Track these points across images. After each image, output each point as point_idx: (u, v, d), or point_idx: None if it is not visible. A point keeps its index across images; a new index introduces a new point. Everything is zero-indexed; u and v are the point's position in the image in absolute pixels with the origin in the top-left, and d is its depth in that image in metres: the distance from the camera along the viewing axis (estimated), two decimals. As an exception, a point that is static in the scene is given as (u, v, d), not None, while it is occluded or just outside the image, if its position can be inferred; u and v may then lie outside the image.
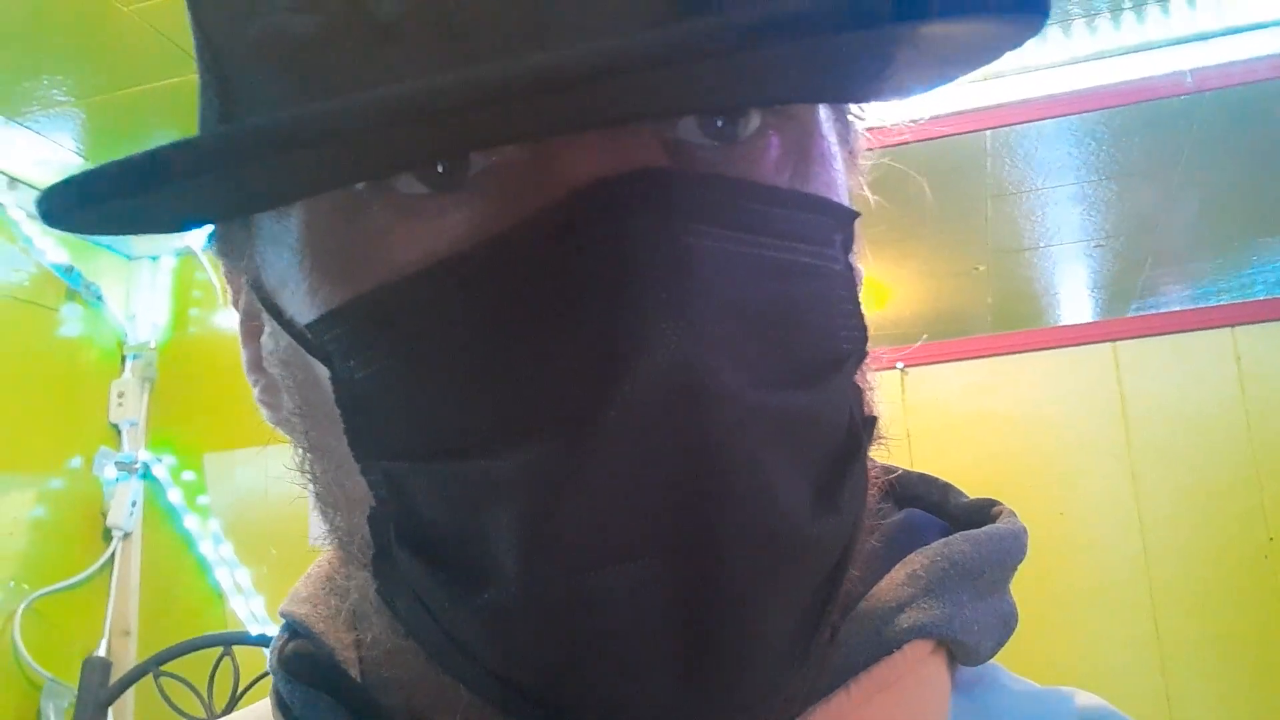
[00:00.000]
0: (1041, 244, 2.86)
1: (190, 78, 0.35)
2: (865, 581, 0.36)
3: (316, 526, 0.37)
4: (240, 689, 1.78)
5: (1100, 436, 1.88)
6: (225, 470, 2.25)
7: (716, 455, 0.27)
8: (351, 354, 0.31)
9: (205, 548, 2.21)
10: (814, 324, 0.31)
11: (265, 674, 0.39)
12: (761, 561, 0.28)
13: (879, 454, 0.37)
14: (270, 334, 0.36)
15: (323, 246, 0.32)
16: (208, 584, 2.19)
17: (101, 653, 2.11)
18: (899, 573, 0.36)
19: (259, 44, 0.30)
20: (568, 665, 0.29)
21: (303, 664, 0.38)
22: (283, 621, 0.40)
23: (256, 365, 0.38)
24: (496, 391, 0.28)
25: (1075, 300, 3.42)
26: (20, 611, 1.99)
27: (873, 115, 0.39)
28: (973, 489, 0.43)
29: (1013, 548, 0.38)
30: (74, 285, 2.22)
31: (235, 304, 0.39)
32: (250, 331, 0.38)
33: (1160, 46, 1.86)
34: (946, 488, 0.42)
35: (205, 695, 1.78)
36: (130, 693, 1.98)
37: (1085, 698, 0.41)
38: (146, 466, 2.27)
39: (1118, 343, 1.91)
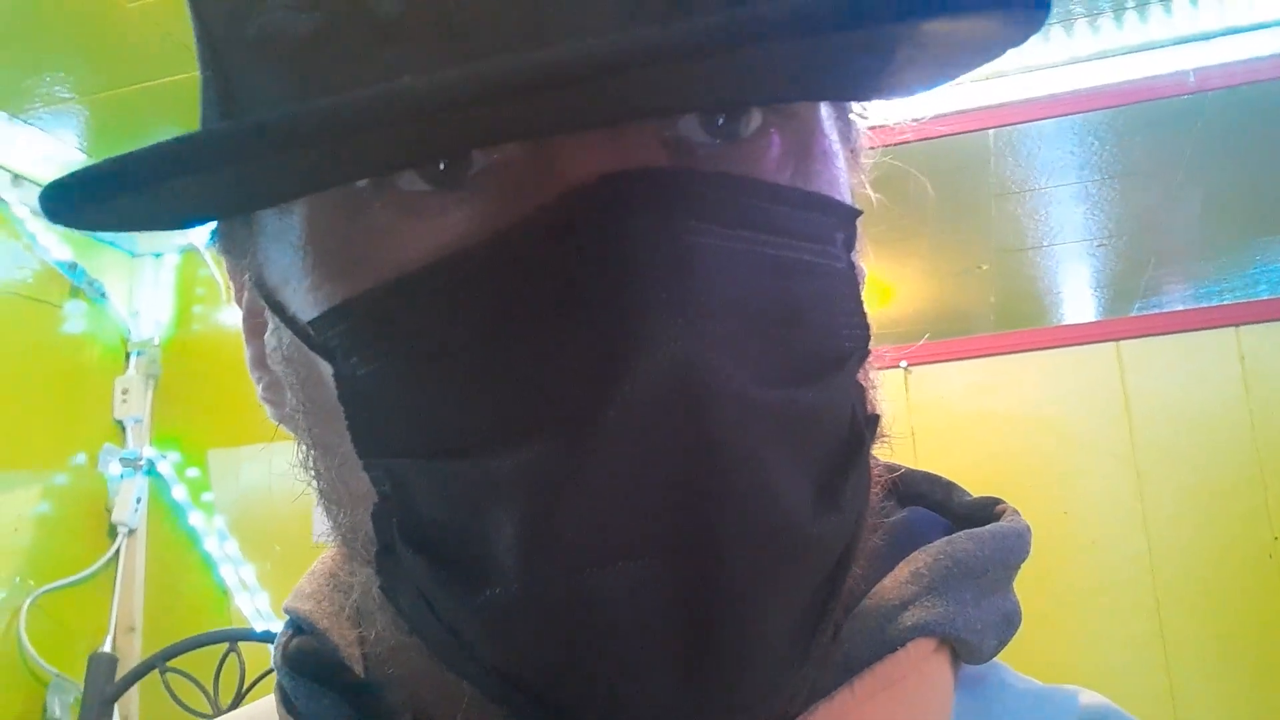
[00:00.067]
0: (1045, 243, 2.86)
1: (193, 75, 0.35)
2: (868, 580, 0.36)
3: (320, 523, 0.37)
4: (246, 685, 1.78)
5: (1104, 436, 1.87)
6: (229, 467, 2.26)
7: (717, 454, 0.27)
8: (354, 351, 0.31)
9: (210, 544, 2.22)
10: (816, 322, 0.31)
11: (270, 670, 0.39)
12: (762, 561, 0.28)
13: (882, 452, 0.37)
14: (273, 331, 0.36)
15: (325, 243, 0.32)
16: (213, 580, 2.20)
17: (107, 649, 2.12)
18: (902, 571, 0.36)
19: (259, 42, 0.30)
20: (568, 664, 0.29)
21: (306, 660, 0.38)
22: (287, 618, 0.40)
23: (260, 362, 0.38)
24: (497, 390, 0.28)
25: (1078, 299, 3.41)
26: (26, 608, 1.99)
27: (875, 114, 0.39)
28: (976, 488, 0.42)
29: (1016, 546, 0.38)
30: (78, 282, 2.22)
31: (238, 301, 0.39)
32: (253, 328, 0.38)
33: (1163, 46, 1.86)
34: (950, 486, 0.42)
35: (211, 691, 1.78)
36: (136, 689, 1.99)
37: (1089, 696, 0.41)
38: (151, 463, 2.27)
39: (1121, 342, 1.91)
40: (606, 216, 0.28)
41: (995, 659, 0.38)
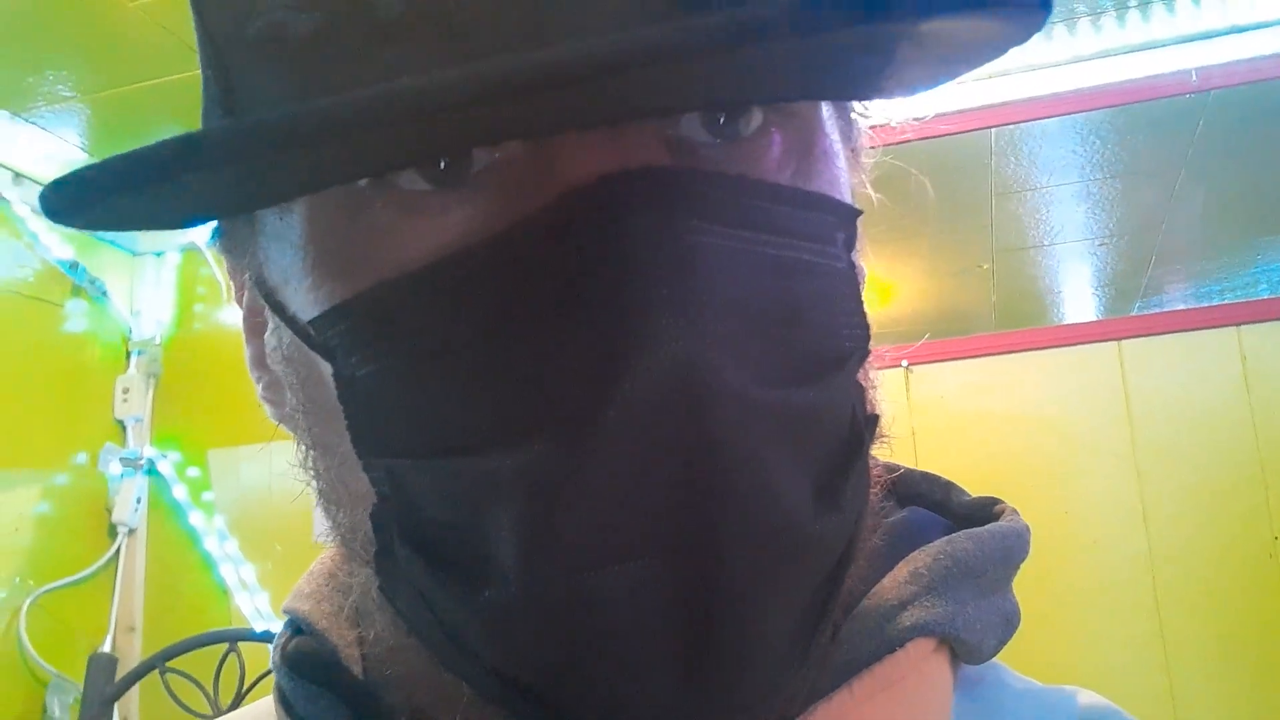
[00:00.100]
0: (1046, 242, 2.86)
1: (195, 74, 0.35)
2: (868, 580, 0.36)
3: (320, 523, 0.37)
4: (246, 685, 1.79)
5: (1104, 435, 1.87)
6: (230, 467, 2.26)
7: (718, 453, 0.27)
8: (353, 350, 0.31)
9: (210, 544, 2.22)
10: (816, 322, 0.31)
11: (270, 670, 0.39)
12: (762, 561, 0.28)
13: (882, 452, 0.37)
14: (273, 330, 0.36)
15: (325, 243, 0.32)
16: (213, 580, 2.20)
17: (107, 649, 2.12)
18: (901, 570, 0.36)
19: (260, 41, 0.30)
20: (568, 664, 0.29)
21: (305, 661, 0.38)
22: (286, 618, 0.40)
23: (260, 362, 0.38)
24: (497, 390, 0.28)
25: (1079, 299, 3.41)
26: (26, 608, 1.99)
27: (876, 113, 0.39)
28: (976, 487, 0.42)
29: (1015, 546, 0.38)
30: (79, 281, 2.22)
31: (239, 300, 0.39)
32: (253, 328, 0.38)
33: (1165, 45, 1.86)
34: (949, 486, 0.42)
35: (211, 691, 1.78)
36: (136, 689, 1.99)
37: (1088, 696, 0.41)
38: (151, 463, 2.27)
39: (1122, 341, 1.91)
40: (607, 216, 0.28)
41: (995, 659, 0.38)
